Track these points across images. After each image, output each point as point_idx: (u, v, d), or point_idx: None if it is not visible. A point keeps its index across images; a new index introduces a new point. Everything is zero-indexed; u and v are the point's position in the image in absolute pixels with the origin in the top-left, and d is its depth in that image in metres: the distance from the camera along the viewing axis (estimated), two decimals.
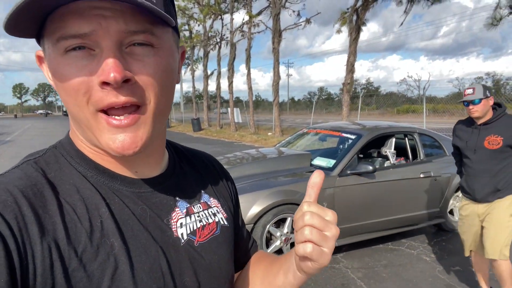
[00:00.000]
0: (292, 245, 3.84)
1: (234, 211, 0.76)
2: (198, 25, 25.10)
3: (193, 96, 28.95)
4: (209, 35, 23.76)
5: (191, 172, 0.69)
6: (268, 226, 3.57)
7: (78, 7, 0.44)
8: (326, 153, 4.67)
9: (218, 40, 23.53)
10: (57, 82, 0.49)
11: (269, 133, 18.02)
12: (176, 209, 0.60)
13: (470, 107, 2.77)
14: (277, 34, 17.54)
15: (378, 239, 4.35)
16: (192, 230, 0.61)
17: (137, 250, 0.52)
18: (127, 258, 0.50)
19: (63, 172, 0.52)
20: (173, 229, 0.58)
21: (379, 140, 4.77)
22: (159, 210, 0.58)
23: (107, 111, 0.48)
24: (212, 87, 24.86)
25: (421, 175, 4.39)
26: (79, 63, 0.46)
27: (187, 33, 28.00)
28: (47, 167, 0.52)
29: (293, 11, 19.03)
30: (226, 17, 22.01)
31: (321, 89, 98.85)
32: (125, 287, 0.49)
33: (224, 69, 22.03)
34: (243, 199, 3.49)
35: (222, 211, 0.69)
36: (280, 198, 3.59)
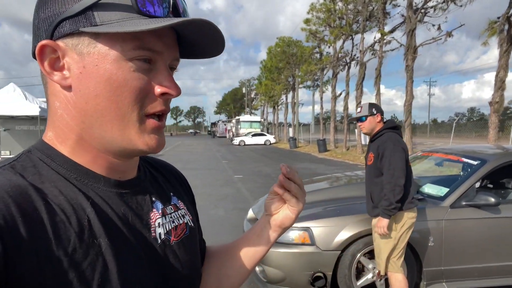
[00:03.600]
0: (387, 281, 3.41)
1: (196, 212, 0.80)
2: (329, 47, 25.28)
3: (321, 117, 28.98)
4: (339, 56, 23.63)
5: (158, 176, 0.72)
6: (358, 256, 3.26)
7: (158, 29, 0.51)
8: (440, 180, 4.05)
9: (348, 60, 23.20)
10: (107, 83, 0.51)
11: None
12: (154, 210, 0.63)
13: (359, 123, 3.01)
14: (411, 50, 16.33)
15: None
16: (167, 230, 0.63)
17: (121, 250, 0.53)
18: (114, 258, 0.51)
19: (42, 175, 0.52)
20: (152, 229, 0.60)
21: None
22: (140, 210, 0.60)
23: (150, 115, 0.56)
24: (341, 108, 24.40)
25: None
26: (144, 73, 0.53)
27: (318, 56, 28.46)
28: (24, 171, 0.51)
29: (433, 25, 17.51)
30: (358, 37, 21.61)
31: (471, 109, 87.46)
32: (113, 287, 0.50)
33: (354, 91, 21.46)
34: (330, 223, 3.29)
35: (188, 213, 0.72)
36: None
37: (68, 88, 0.53)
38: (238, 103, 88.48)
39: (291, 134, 32.83)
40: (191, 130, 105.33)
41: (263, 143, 34.41)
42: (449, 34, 15.78)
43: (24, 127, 13.46)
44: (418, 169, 4.69)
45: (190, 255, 0.67)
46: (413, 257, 3.31)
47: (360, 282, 3.30)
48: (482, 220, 3.33)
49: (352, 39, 22.65)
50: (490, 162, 3.56)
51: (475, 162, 3.67)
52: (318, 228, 3.28)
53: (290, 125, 36.90)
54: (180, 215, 0.69)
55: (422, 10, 16.37)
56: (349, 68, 23.08)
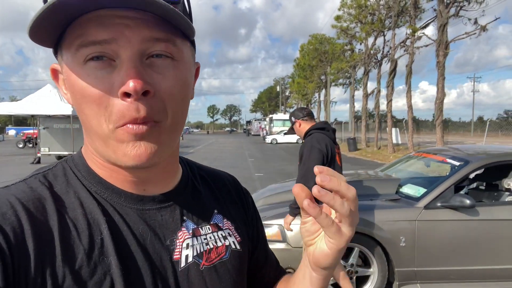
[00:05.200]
0: (359, 280, 3.45)
1: (254, 235, 0.73)
2: (360, 44, 24.77)
3: (351, 116, 28.48)
4: (370, 53, 23.12)
5: (204, 191, 0.66)
6: None
7: (100, 15, 0.43)
8: (422, 181, 4.01)
9: (380, 58, 22.64)
10: (76, 95, 0.47)
11: None
12: (183, 229, 0.57)
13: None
14: (443, 46, 15.69)
15: None
16: (198, 252, 0.58)
17: (132, 271, 0.50)
18: (122, 279, 0.48)
19: (69, 185, 0.52)
20: (176, 250, 0.55)
21: (507, 170, 3.81)
22: (164, 229, 0.55)
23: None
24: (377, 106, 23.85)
25: None
26: (99, 74, 0.45)
27: (349, 53, 27.97)
28: (55, 180, 0.52)
29: (469, 19, 16.74)
30: (390, 33, 21.05)
31: None
32: None
33: (396, 88, 20.92)
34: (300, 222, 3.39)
35: (236, 234, 0.65)
36: None
37: None
38: (273, 101, 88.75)
39: None
40: (227, 128, 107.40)
41: (295, 141, 34.33)
42: (483, 28, 15.01)
43: (61, 126, 14.40)
44: (407, 168, 4.64)
45: (226, 282, 0.59)
46: (385, 256, 3.33)
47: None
48: (458, 222, 3.29)
49: (384, 35, 22.07)
50: (472, 163, 3.50)
51: (457, 163, 3.61)
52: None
53: None
54: (221, 236, 0.62)
55: (456, 4, 15.68)
56: (380, 65, 22.53)
